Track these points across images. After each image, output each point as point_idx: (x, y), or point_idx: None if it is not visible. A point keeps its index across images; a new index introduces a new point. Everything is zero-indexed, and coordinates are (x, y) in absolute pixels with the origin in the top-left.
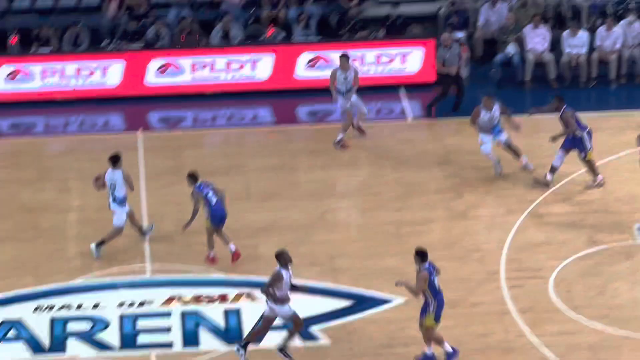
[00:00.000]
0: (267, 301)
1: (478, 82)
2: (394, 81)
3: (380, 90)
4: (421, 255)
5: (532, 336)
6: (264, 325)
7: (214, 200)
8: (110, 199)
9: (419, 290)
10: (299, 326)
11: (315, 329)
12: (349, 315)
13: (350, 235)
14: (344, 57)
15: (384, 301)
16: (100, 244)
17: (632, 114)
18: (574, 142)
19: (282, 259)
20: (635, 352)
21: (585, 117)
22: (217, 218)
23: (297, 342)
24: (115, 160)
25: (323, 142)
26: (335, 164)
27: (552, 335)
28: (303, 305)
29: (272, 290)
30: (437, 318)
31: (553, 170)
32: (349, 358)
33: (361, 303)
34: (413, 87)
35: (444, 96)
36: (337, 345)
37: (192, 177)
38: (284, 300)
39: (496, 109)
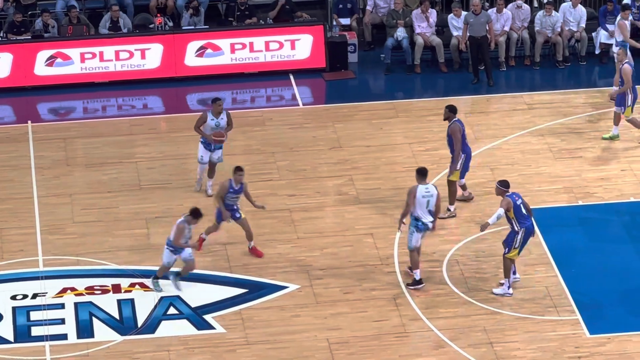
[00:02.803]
0: None
1: (368, 67)
2: (284, 67)
3: (270, 76)
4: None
5: (427, 320)
6: None
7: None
8: None
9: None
10: None
11: (209, 317)
12: (243, 303)
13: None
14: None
15: (277, 288)
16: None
17: (520, 95)
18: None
19: None
20: (528, 333)
21: (475, 98)
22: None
23: None
24: None
25: None
26: (226, 151)
27: (446, 318)
28: (197, 294)
29: None
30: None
31: (464, 187)
32: (244, 346)
33: (255, 290)
34: (303, 73)
35: (474, 60)
36: (232, 333)
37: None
38: None
39: (223, 117)
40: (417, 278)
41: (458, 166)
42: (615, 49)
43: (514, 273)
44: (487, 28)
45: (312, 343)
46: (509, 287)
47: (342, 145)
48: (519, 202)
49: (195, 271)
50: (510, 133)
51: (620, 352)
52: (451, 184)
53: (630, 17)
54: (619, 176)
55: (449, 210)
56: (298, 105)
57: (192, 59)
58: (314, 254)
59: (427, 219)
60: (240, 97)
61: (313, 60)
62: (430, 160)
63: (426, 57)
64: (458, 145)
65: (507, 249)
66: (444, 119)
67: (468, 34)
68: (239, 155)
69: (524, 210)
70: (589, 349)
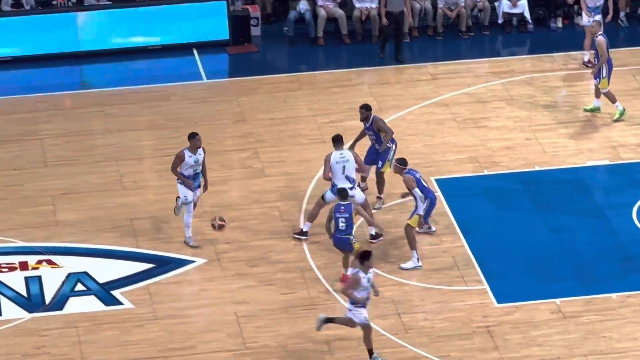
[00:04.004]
0: None
1: (271, 40)
2: (187, 42)
3: (173, 51)
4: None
5: (334, 292)
6: None
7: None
8: None
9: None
10: None
11: (117, 292)
12: (150, 278)
13: (148, 197)
14: None
15: (184, 262)
16: None
17: (424, 65)
18: (378, 156)
19: None
20: (436, 304)
21: (378, 70)
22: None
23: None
24: None
25: (118, 106)
26: (131, 127)
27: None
28: (104, 269)
29: None
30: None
31: (364, 179)
32: (152, 321)
33: (162, 265)
34: (206, 47)
35: (386, 37)
36: (140, 308)
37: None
38: None
39: (201, 152)
40: (305, 229)
41: (390, 156)
42: (591, 18)
43: (430, 228)
44: (405, 2)
45: (220, 317)
46: (418, 260)
47: (247, 118)
48: (418, 175)
49: (101, 247)
50: (414, 104)
51: (528, 321)
52: (381, 175)
53: None
54: (524, 145)
55: (380, 198)
56: (202, 79)
57: (96, 34)
58: None
59: (344, 185)
60: (144, 73)
61: (216, 34)
62: (334, 132)
63: (329, 29)
64: (389, 130)
65: (410, 216)
66: (362, 120)
67: (386, 10)
68: (143, 131)
69: (425, 183)
70: (497, 318)
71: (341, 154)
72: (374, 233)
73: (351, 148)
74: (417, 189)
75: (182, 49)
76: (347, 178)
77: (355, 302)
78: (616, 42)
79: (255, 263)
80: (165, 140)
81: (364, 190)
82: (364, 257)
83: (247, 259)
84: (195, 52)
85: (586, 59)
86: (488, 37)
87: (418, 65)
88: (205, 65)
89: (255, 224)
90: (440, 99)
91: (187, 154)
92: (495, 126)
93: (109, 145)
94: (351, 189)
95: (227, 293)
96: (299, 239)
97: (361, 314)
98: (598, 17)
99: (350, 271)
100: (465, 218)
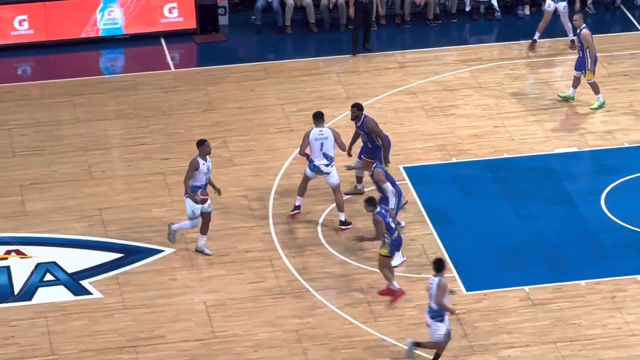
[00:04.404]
0: None
1: (239, 29)
2: (155, 31)
3: (141, 40)
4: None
5: (303, 281)
6: None
7: (393, 228)
8: None
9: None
10: None
11: (86, 282)
12: (119, 268)
13: (117, 187)
14: None
15: (153, 252)
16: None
17: (392, 54)
18: (374, 151)
19: None
20: (408, 292)
21: (346, 58)
22: (396, 247)
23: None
24: None
25: (86, 96)
26: (99, 117)
27: (325, 278)
28: (73, 259)
29: None
30: (391, 253)
31: (360, 180)
32: (122, 310)
33: (131, 255)
34: (174, 36)
35: (357, 27)
36: (109, 298)
37: (371, 202)
38: None
39: (208, 158)
40: (297, 204)
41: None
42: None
43: (399, 224)
44: None
45: (189, 306)
46: (402, 255)
47: (215, 107)
48: (385, 169)
49: (70, 237)
50: (382, 92)
51: (497, 308)
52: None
53: None
54: (492, 132)
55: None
56: (170, 68)
57: (64, 24)
58: None
59: (320, 161)
60: (112, 62)
61: (184, 23)
62: (303, 120)
63: (297, 18)
64: (382, 134)
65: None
66: (352, 119)
67: None
68: (111, 120)
69: (390, 176)
70: (466, 305)
71: (320, 131)
72: (343, 219)
73: (349, 150)
74: (387, 183)
75: (150, 38)
76: (325, 155)
77: (438, 315)
78: None
79: (224, 252)
80: (134, 130)
81: (360, 193)
82: (443, 265)
83: (216, 248)
84: (163, 41)
85: (535, 37)
86: (456, 25)
87: (386, 53)
88: (173, 54)
89: (224, 213)
90: (408, 87)
91: (200, 161)
92: (463, 114)
93: (77, 135)
94: (327, 166)
95: (196, 282)
96: (293, 214)
97: (440, 329)
98: (563, 4)
99: (439, 280)
100: (433, 206)
